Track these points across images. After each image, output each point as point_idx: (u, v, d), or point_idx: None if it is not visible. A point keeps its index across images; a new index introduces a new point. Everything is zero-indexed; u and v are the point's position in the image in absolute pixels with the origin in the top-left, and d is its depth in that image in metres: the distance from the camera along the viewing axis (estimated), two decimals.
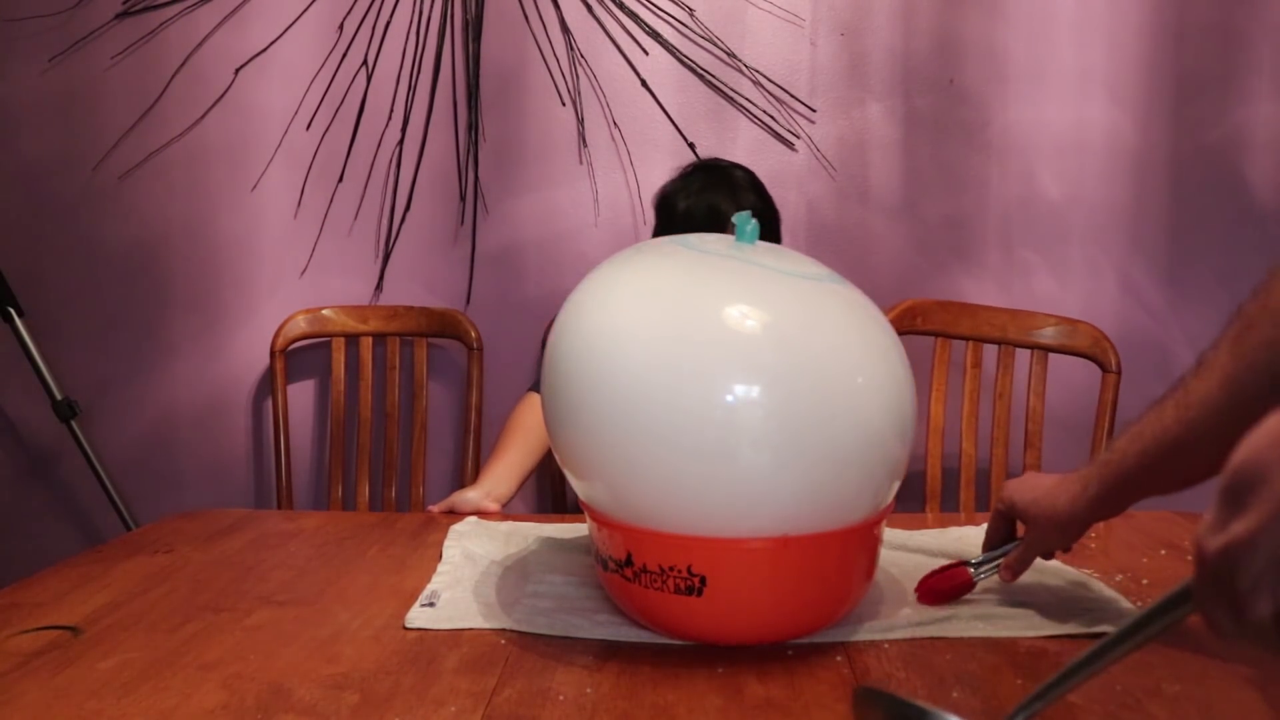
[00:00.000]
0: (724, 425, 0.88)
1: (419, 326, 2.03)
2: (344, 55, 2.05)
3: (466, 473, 1.93)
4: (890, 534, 1.21)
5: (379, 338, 2.03)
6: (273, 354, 1.98)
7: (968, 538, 1.26)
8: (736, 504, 0.88)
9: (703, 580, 0.89)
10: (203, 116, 2.07)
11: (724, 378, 0.88)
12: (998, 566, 1.03)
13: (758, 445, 0.87)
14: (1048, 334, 1.81)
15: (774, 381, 0.89)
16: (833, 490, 0.90)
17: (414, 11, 2.04)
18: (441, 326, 2.02)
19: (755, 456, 0.88)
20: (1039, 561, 1.16)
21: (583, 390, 0.93)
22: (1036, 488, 0.98)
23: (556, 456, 1.02)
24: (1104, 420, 1.76)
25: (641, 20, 2.03)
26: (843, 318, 0.97)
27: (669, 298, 0.94)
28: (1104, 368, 1.79)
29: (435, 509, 1.45)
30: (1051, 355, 1.83)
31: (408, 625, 0.99)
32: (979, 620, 0.98)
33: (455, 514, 1.41)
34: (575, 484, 1.00)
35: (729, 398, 0.87)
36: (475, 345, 1.99)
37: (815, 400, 0.89)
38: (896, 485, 0.96)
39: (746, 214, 1.02)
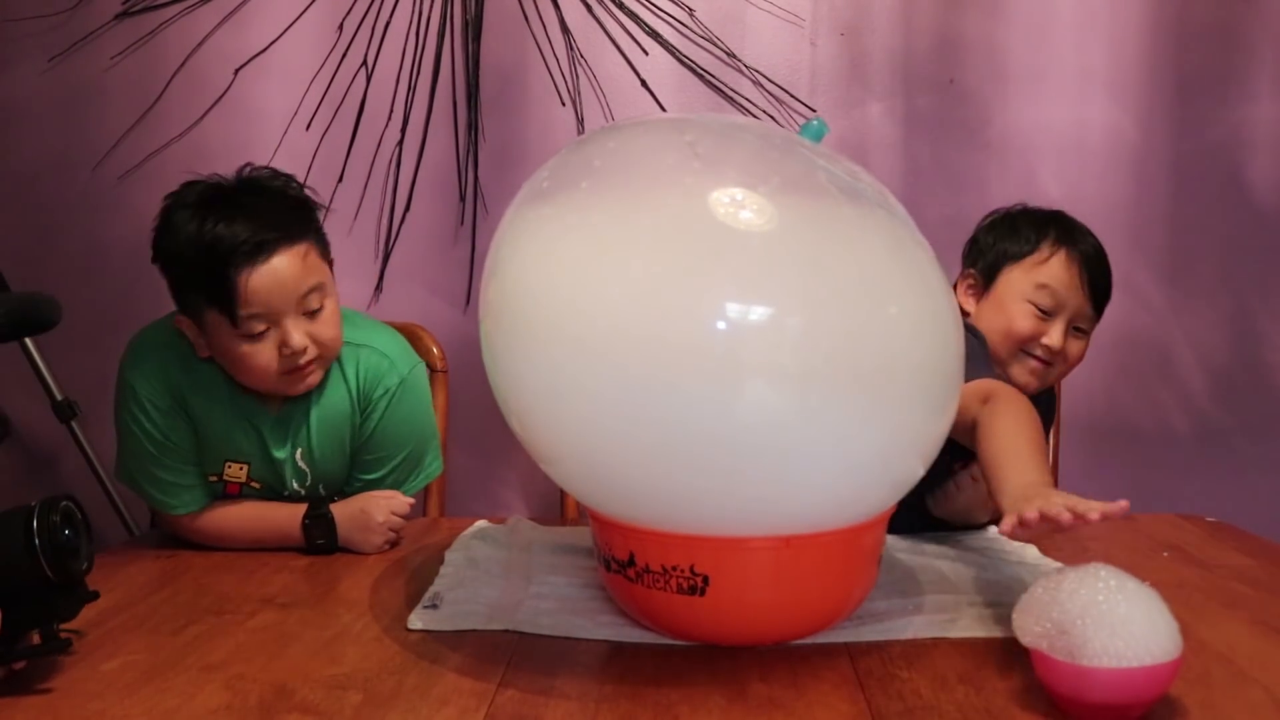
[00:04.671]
0: (719, 362, 0.73)
1: None
2: (344, 56, 2.05)
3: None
4: (891, 536, 1.21)
5: None
6: None
7: (968, 541, 1.26)
8: (740, 497, 0.84)
9: (705, 580, 0.88)
10: (202, 117, 2.06)
11: (721, 297, 0.74)
12: None
13: (765, 396, 0.74)
14: None
15: (788, 306, 0.74)
16: (850, 474, 0.82)
17: (414, 12, 2.04)
18: None
19: (761, 418, 0.74)
20: (1042, 562, 1.16)
21: (535, 333, 0.78)
22: None
23: (517, 435, 0.91)
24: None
25: (641, 20, 2.03)
26: (885, 247, 0.81)
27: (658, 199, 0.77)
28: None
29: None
30: None
31: (410, 627, 0.99)
32: (983, 620, 0.98)
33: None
34: (548, 470, 0.91)
35: (722, 324, 0.73)
36: (439, 367, 1.68)
37: (837, 345, 0.76)
38: (921, 472, 0.90)
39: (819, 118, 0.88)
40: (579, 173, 0.83)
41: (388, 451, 1.37)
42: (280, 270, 1.22)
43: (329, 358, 1.31)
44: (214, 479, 1.34)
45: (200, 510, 1.31)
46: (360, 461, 1.38)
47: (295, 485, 1.35)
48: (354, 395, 1.35)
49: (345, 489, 1.38)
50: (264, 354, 1.24)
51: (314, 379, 1.30)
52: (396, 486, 1.37)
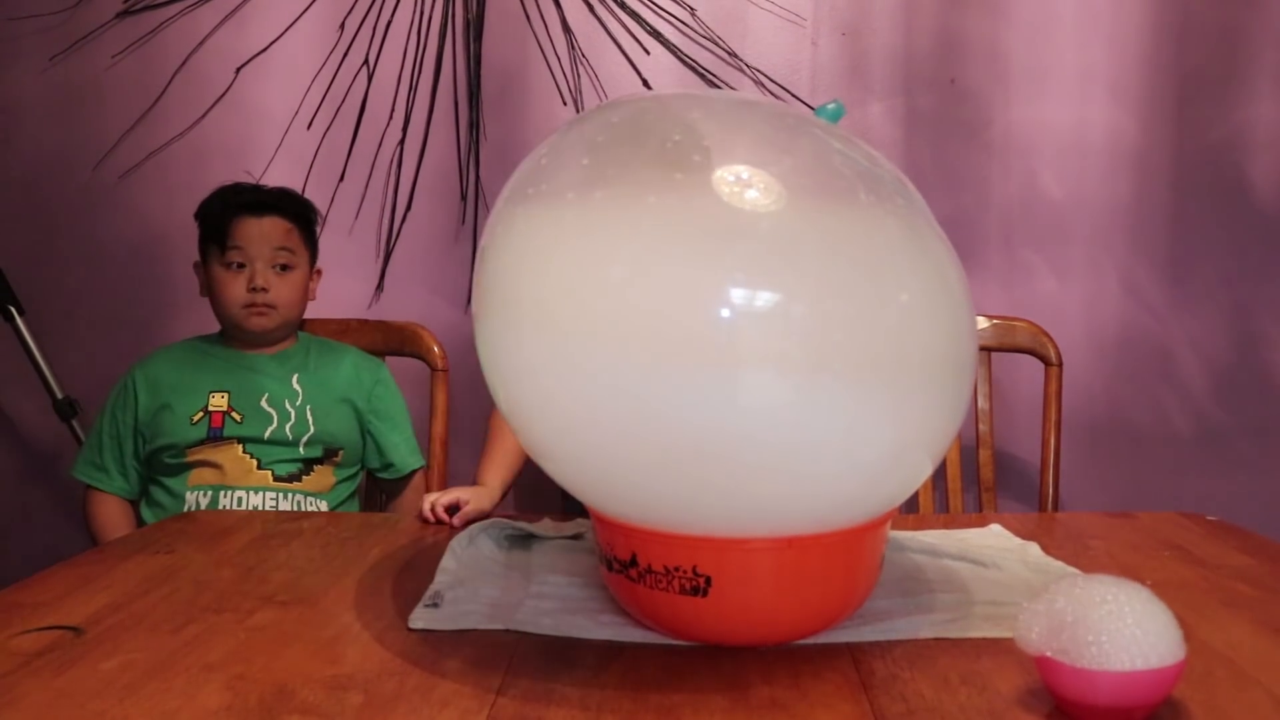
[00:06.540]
0: (723, 351, 0.69)
1: (372, 344, 1.79)
2: (345, 55, 2.05)
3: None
4: (893, 535, 1.21)
5: None
6: None
7: (970, 540, 1.26)
8: (743, 496, 0.83)
9: (708, 581, 0.88)
10: (203, 116, 2.07)
11: (726, 282, 0.70)
12: None
13: (768, 390, 0.71)
14: (986, 334, 1.79)
15: (796, 292, 0.70)
16: (858, 471, 0.79)
17: (415, 11, 2.04)
18: (400, 343, 1.78)
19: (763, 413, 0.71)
20: (1044, 563, 1.16)
21: (528, 320, 0.75)
22: None
23: (514, 430, 0.89)
24: (1050, 412, 1.75)
25: (643, 20, 2.02)
26: (901, 233, 0.76)
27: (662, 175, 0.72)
28: (1046, 361, 1.77)
29: (437, 501, 1.40)
30: (994, 354, 1.81)
31: (411, 626, 0.98)
32: (985, 620, 0.98)
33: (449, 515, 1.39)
34: (547, 468, 0.90)
35: (727, 311, 0.69)
36: (440, 366, 1.75)
37: (841, 341, 0.72)
38: (929, 470, 0.88)
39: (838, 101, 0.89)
40: (579, 149, 0.79)
41: (398, 414, 1.73)
42: (265, 226, 1.63)
43: (285, 314, 1.65)
44: (199, 415, 1.61)
45: (90, 491, 1.66)
46: (379, 428, 1.71)
47: (288, 406, 1.62)
48: (359, 372, 1.70)
49: (374, 465, 1.73)
50: (236, 284, 1.63)
51: (268, 322, 1.64)
52: (411, 451, 1.74)
